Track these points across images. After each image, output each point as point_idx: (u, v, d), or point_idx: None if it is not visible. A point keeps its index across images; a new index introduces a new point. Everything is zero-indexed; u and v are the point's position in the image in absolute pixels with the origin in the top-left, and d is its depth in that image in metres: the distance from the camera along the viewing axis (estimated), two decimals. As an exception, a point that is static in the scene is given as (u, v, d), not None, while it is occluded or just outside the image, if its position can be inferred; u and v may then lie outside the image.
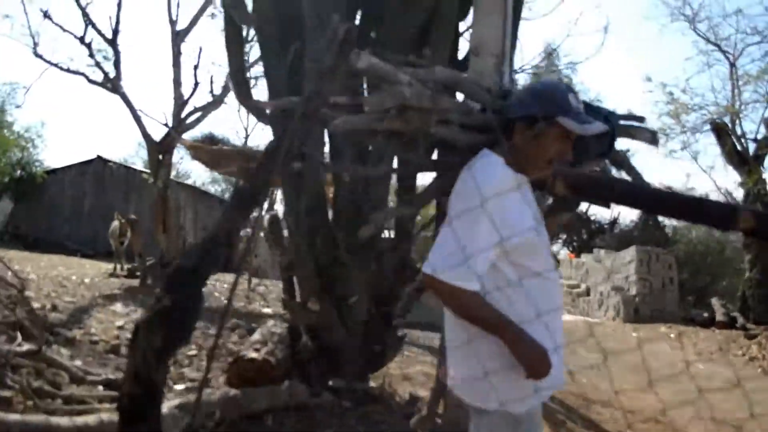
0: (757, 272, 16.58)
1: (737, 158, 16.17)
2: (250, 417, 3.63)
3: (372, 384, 5.16)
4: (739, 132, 16.53)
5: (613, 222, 25.76)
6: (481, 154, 1.82)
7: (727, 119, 16.56)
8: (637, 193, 1.68)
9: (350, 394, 4.56)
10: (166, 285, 1.87)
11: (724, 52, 16.81)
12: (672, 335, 13.60)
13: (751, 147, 16.51)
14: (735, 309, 16.97)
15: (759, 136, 16.87)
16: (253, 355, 3.99)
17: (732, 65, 16.67)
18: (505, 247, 1.75)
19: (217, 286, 12.67)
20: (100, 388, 3.94)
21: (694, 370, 10.55)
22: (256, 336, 4.58)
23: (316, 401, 4.14)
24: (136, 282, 10.27)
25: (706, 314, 16.61)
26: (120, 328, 5.62)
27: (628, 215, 24.91)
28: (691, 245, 28.19)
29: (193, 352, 4.63)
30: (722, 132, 16.43)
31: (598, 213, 25.16)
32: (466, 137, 1.82)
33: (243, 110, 35.17)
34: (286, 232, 5.30)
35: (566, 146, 1.83)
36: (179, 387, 3.93)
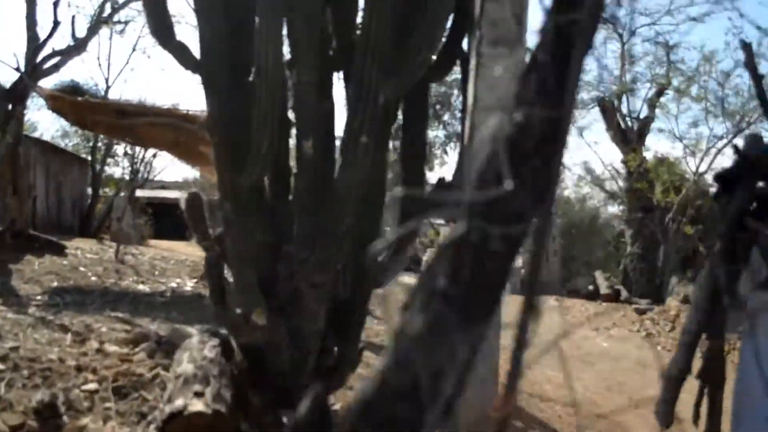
0: (638, 247, 17.19)
1: (621, 136, 16.56)
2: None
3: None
4: (624, 110, 16.97)
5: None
6: None
7: (613, 97, 16.96)
8: None
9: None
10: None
11: (616, 31, 16.96)
12: (561, 308, 13.68)
13: (635, 125, 16.97)
14: (618, 282, 17.53)
15: (642, 116, 17.37)
16: (200, 407, 2.80)
17: (623, 44, 16.86)
18: None
19: (81, 256, 10.99)
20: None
21: (599, 350, 10.49)
22: (187, 366, 3.33)
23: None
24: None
25: (591, 287, 17.04)
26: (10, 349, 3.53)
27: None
28: (567, 217, 29.16)
29: (93, 386, 3.21)
30: (608, 110, 16.82)
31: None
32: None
33: (104, 58, 31.82)
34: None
35: None
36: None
